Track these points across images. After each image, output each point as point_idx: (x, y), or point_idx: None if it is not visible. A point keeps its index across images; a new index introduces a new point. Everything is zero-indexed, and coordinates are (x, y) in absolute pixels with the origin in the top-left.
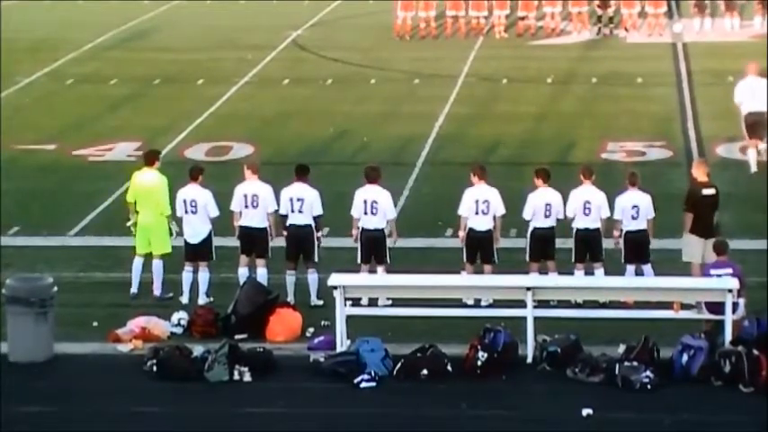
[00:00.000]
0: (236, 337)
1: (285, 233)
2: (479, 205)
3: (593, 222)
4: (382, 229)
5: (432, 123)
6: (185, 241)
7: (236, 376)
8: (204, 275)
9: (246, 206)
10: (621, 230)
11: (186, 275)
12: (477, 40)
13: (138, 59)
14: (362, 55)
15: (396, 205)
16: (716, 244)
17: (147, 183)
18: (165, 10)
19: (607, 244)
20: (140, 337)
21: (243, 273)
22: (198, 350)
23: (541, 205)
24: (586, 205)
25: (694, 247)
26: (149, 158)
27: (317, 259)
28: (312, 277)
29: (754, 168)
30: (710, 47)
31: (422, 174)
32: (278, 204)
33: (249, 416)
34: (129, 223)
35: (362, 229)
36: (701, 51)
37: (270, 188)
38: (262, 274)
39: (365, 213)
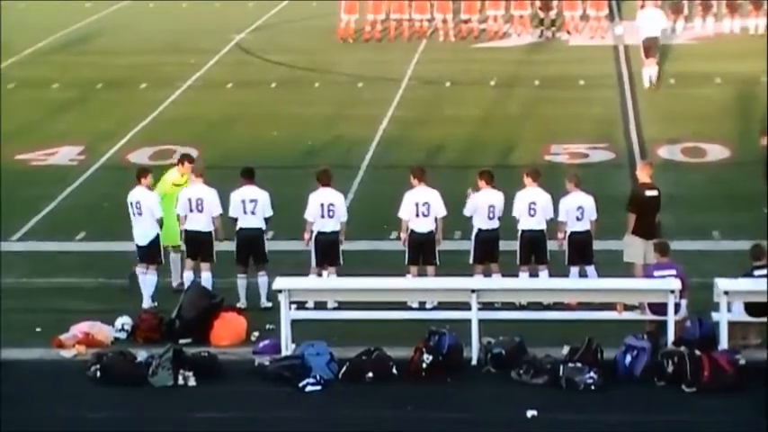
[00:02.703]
0: (181, 341)
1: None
2: (420, 207)
3: (537, 224)
4: (338, 232)
5: (376, 126)
6: (136, 244)
7: (181, 381)
8: (152, 278)
9: (191, 210)
10: (565, 232)
11: (141, 277)
12: (420, 43)
13: (80, 63)
14: (306, 58)
15: None
16: (658, 245)
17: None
18: (107, 13)
19: (550, 245)
20: (84, 343)
21: (188, 277)
22: (142, 355)
23: (485, 207)
24: (531, 206)
25: (636, 248)
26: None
27: (266, 261)
28: (262, 279)
29: (647, 84)
30: None
31: (366, 176)
32: (223, 208)
33: (194, 421)
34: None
35: (318, 232)
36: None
37: (215, 192)
38: (206, 278)
39: (322, 216)
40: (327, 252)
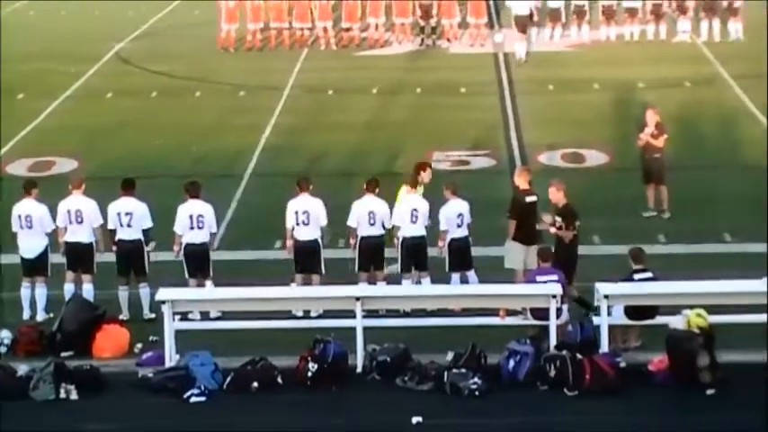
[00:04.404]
0: (62, 354)
1: (115, 248)
2: (299, 216)
3: (419, 230)
4: (207, 243)
5: (258, 135)
6: (21, 257)
7: (63, 394)
8: (42, 291)
9: (71, 222)
10: (445, 240)
11: (24, 292)
12: (301, 51)
13: None
14: (187, 67)
15: (224, 217)
16: (541, 251)
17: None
18: None
19: (430, 252)
20: None
21: (69, 289)
22: (23, 369)
23: (365, 214)
24: (414, 213)
25: (517, 254)
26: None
27: (147, 272)
28: (144, 291)
29: (520, 56)
30: (531, 56)
31: (250, 185)
32: (104, 219)
33: None
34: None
35: (188, 243)
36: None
37: (94, 203)
38: (88, 290)
39: (191, 228)
40: (199, 263)
